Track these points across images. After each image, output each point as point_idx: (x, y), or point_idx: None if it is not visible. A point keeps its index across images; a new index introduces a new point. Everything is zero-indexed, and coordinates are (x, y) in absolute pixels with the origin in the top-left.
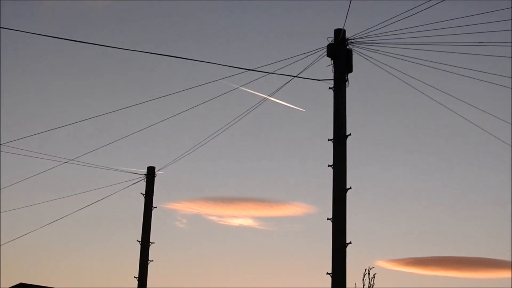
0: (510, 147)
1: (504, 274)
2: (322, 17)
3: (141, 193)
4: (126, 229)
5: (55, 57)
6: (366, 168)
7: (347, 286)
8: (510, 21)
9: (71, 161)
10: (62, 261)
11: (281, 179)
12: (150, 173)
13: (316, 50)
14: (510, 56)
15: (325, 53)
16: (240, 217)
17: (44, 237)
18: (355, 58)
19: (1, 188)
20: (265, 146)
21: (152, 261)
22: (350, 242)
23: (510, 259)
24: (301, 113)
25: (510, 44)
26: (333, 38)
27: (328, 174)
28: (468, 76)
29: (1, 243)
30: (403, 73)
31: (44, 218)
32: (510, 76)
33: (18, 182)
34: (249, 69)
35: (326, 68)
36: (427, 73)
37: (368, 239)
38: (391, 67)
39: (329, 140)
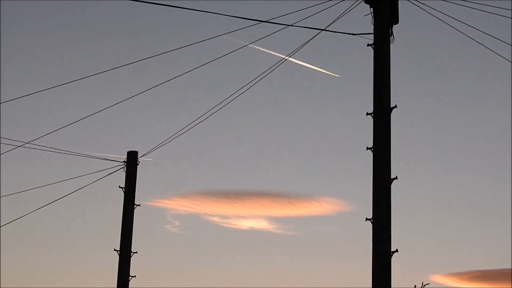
0: None
1: None
2: None
3: (119, 187)
4: (100, 234)
5: (17, 21)
6: (417, 152)
7: None
8: None
9: (26, 145)
10: (16, 271)
11: (305, 167)
12: (131, 160)
13: None
14: None
15: None
16: (251, 217)
17: None
18: (402, 5)
19: None
20: (283, 123)
21: (135, 276)
22: (397, 250)
23: None
24: (331, 79)
25: None
26: None
27: (367, 160)
28: None
29: None
30: (468, 25)
31: None
32: None
33: None
34: (262, 21)
35: (363, 18)
36: (503, 25)
37: (421, 246)
38: (451, 18)
39: (367, 114)
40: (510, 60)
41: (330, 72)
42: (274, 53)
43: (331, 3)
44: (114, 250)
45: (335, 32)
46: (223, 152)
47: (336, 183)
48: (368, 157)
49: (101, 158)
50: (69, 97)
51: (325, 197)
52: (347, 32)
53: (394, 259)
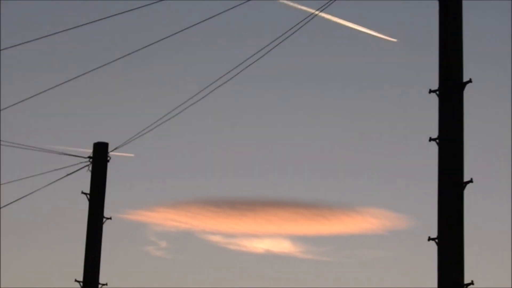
0: None
1: None
2: None
3: (82, 193)
4: (55, 259)
5: None
6: (498, 146)
7: None
8: None
9: None
10: None
11: (344, 166)
12: (99, 155)
13: None
14: None
15: None
16: (268, 236)
17: None
18: None
19: None
20: (311, 103)
21: None
22: (472, 283)
23: None
24: (381, 43)
25: None
26: None
27: (430, 155)
28: None
29: None
30: None
31: None
32: None
33: None
34: None
35: None
36: None
37: (505, 276)
38: None
39: (431, 91)
40: None
41: (379, 33)
42: (299, 6)
43: None
44: (76, 281)
45: None
46: (226, 146)
47: (386, 188)
48: (432, 152)
49: (56, 153)
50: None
51: (371, 208)
52: None
53: None
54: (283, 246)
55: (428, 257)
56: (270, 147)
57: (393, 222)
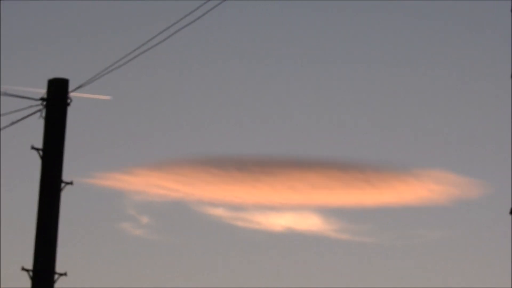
0: None
1: None
2: None
3: (32, 148)
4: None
5: None
6: None
7: None
8: None
9: None
10: None
11: (395, 115)
12: (56, 96)
13: None
14: None
15: None
16: (289, 209)
17: None
18: None
19: None
20: (344, 31)
21: None
22: None
23: None
24: None
25: None
26: None
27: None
28: None
29: None
30: None
31: None
32: None
33: None
34: None
35: None
36: None
37: None
38: None
39: None
40: None
41: None
42: None
43: None
44: (23, 269)
45: None
46: (234, 88)
47: (452, 144)
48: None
49: None
50: None
51: (433, 170)
52: None
53: None
54: (311, 223)
55: (509, 236)
56: (290, 91)
57: (462, 190)
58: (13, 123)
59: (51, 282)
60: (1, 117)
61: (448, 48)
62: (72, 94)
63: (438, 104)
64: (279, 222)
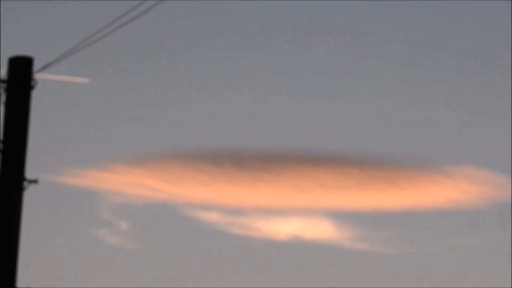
0: None
1: None
2: None
3: None
4: None
5: None
6: None
7: None
8: None
9: None
10: None
11: (423, 103)
12: (19, 77)
13: None
14: None
15: None
16: (296, 213)
17: None
18: None
19: None
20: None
21: None
22: None
23: None
24: None
25: None
26: None
27: None
28: None
29: None
30: None
31: None
32: None
33: None
34: None
35: None
36: None
37: None
38: None
39: None
40: None
41: None
42: None
43: None
44: None
45: None
46: (228, 68)
47: (490, 137)
48: None
49: None
50: None
51: (466, 167)
52: None
53: None
54: (321, 230)
55: None
56: (299, 73)
57: (501, 190)
58: None
59: None
60: None
61: (477, 35)
62: (37, 76)
63: (472, 89)
64: (283, 229)
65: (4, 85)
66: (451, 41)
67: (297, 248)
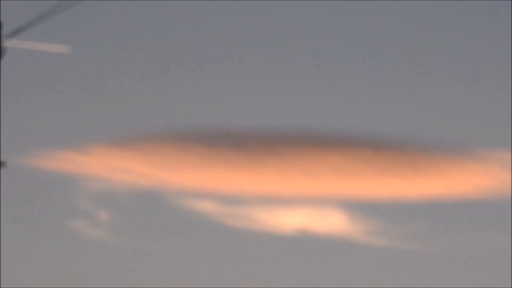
0: None
1: None
2: None
3: None
4: None
5: None
6: None
7: None
8: None
9: None
10: None
11: (446, 76)
12: None
13: None
14: None
15: None
16: (303, 203)
17: None
18: None
19: None
20: None
21: None
22: None
23: None
24: None
25: None
26: None
27: None
28: None
29: None
30: None
31: None
32: None
33: None
34: None
35: None
36: None
37: None
38: None
39: None
40: None
41: None
42: None
43: None
44: None
45: None
46: (224, 35)
47: None
48: None
49: None
50: None
51: (502, 150)
52: None
53: None
54: (333, 222)
55: None
56: (307, 41)
57: None
58: None
59: None
60: None
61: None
62: (6, 43)
63: (505, 62)
64: (289, 221)
65: None
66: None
67: (304, 243)
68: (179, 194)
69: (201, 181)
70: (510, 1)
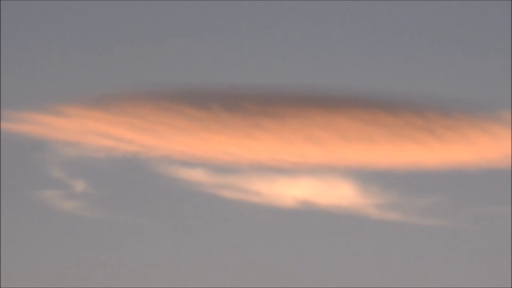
0: None
1: None
2: None
3: None
4: None
5: None
6: None
7: None
8: None
9: None
10: None
11: (466, 27)
12: None
13: None
14: None
15: None
16: (305, 171)
17: None
18: None
19: None
20: None
21: None
22: None
23: None
24: None
25: None
26: None
27: None
28: None
29: None
30: None
31: None
32: None
33: None
34: None
35: None
36: None
37: None
38: None
39: None
40: None
41: None
42: None
43: None
44: None
45: None
46: None
47: None
48: None
49: None
50: None
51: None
52: None
53: None
54: (341, 194)
55: None
56: None
57: None
58: None
59: None
60: None
61: None
62: None
63: None
64: (290, 192)
65: None
66: None
67: (307, 217)
68: (165, 161)
69: (191, 147)
70: (510, 1)
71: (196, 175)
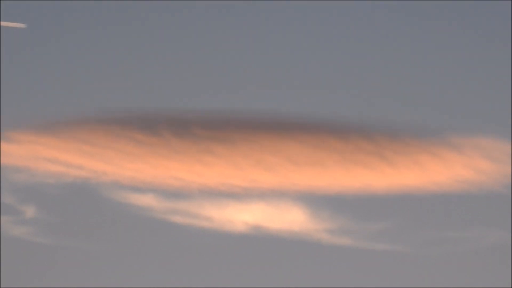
0: None
1: None
2: None
3: None
4: None
5: None
6: None
7: None
8: None
9: None
10: None
11: (419, 57)
12: None
13: None
14: None
15: None
16: (256, 196)
17: None
18: None
19: None
20: None
21: None
22: None
23: None
24: None
25: None
26: None
27: None
28: None
29: None
30: None
31: None
32: None
33: None
34: None
35: None
36: None
37: None
38: None
39: None
40: None
41: None
42: None
43: None
44: None
45: None
46: (163, 5)
47: (505, 102)
48: None
49: None
50: None
51: (482, 137)
52: None
53: None
54: (291, 219)
55: None
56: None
57: None
58: None
59: None
60: None
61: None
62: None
63: (487, 42)
64: (241, 217)
65: None
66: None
67: (259, 242)
68: (115, 186)
69: (141, 172)
70: (510, 1)
71: (146, 201)
